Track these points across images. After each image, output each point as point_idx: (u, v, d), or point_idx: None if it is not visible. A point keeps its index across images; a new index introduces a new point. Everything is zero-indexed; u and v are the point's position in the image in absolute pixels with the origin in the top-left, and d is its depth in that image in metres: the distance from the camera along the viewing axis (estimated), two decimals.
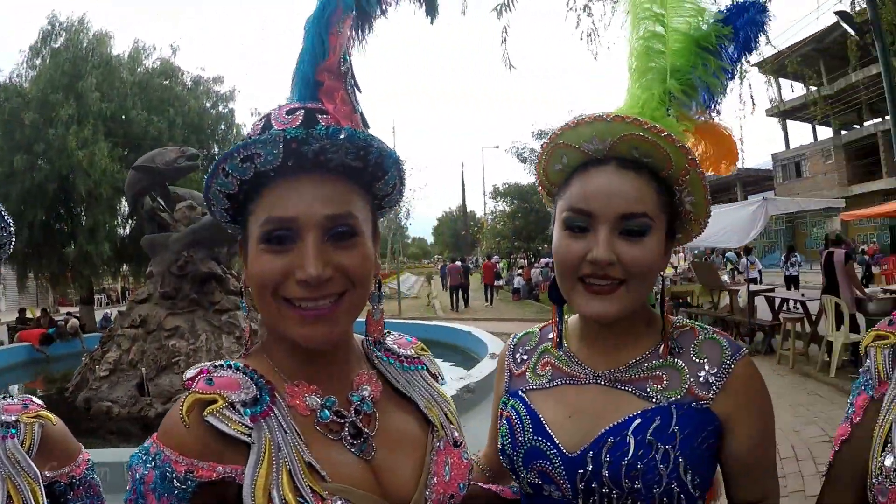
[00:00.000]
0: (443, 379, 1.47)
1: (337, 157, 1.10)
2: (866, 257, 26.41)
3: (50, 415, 1.43)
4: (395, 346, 1.39)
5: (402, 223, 51.11)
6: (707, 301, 15.30)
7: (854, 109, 34.06)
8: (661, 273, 1.42)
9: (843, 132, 37.50)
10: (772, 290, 14.10)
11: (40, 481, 1.32)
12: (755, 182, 44.83)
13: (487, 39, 9.07)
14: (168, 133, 21.13)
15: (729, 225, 12.58)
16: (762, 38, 1.62)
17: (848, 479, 1.22)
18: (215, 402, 1.05)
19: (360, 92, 1.24)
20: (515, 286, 30.01)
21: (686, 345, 1.38)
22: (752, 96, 11.40)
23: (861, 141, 36.35)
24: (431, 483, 1.20)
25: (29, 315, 22.07)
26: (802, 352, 10.76)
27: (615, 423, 1.29)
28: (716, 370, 1.32)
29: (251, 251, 1.13)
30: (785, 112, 34.39)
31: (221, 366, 1.15)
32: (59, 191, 19.78)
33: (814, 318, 10.87)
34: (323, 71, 1.18)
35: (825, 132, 38.67)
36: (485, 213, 48.37)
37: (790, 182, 40.61)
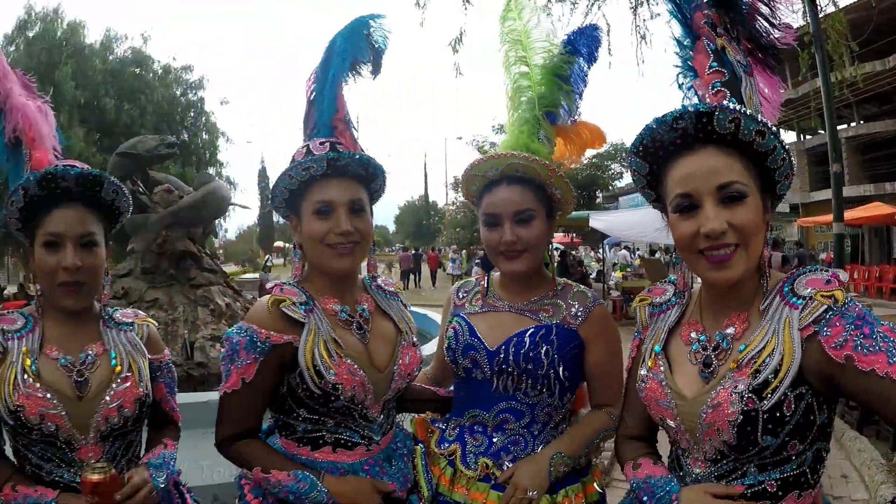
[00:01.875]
0: (408, 306, 2.36)
1: (353, 168, 2.01)
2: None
3: (151, 320, 2.25)
4: (383, 284, 2.29)
5: None
6: None
7: (819, 115, 32.41)
8: (551, 242, 2.29)
9: (809, 136, 37.13)
10: None
11: (147, 358, 2.11)
12: None
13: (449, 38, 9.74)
14: (140, 120, 21.67)
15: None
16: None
17: (632, 392, 1.88)
18: (285, 301, 1.91)
19: (357, 131, 2.20)
20: (449, 272, 35.24)
21: (566, 293, 2.22)
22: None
23: (823, 147, 34.48)
24: (398, 362, 2.08)
25: (6, 292, 22.17)
26: None
27: (519, 331, 2.10)
28: (582, 309, 2.16)
29: (305, 219, 1.99)
30: None
31: (288, 283, 2.02)
32: None
33: None
34: (336, 121, 2.15)
35: (790, 137, 37.99)
36: (446, 203, 48.22)
37: None
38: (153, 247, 9.21)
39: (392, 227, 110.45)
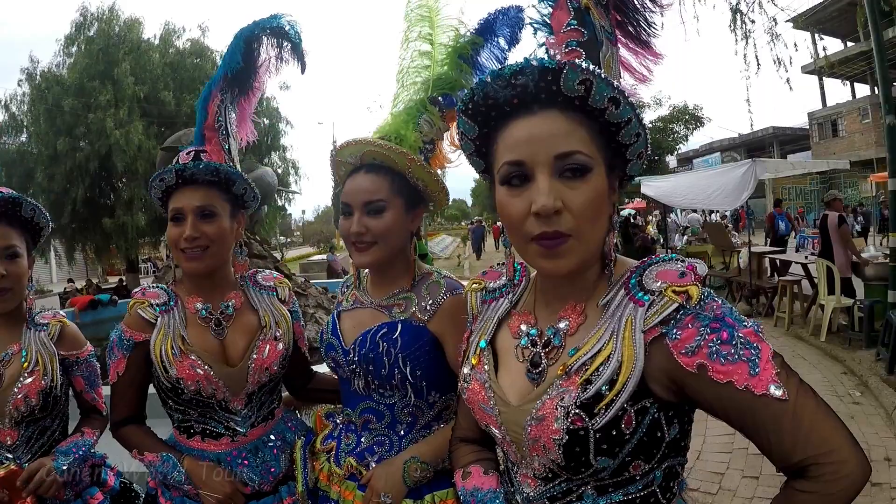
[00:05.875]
0: (294, 302, 2.42)
1: (201, 176, 2.09)
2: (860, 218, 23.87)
3: (66, 320, 2.45)
4: (260, 279, 2.37)
5: None
6: (719, 262, 15.29)
7: (893, 65, 30.38)
8: (412, 231, 2.10)
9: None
10: (780, 252, 13.87)
11: (56, 356, 2.32)
12: (791, 140, 43.12)
13: None
14: None
15: (720, 188, 12.39)
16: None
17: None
18: (142, 303, 2.13)
19: (229, 136, 2.31)
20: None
21: (422, 285, 2.04)
22: (778, 58, 11.45)
23: None
24: (253, 357, 2.15)
25: (77, 286, 23.34)
26: (802, 314, 10.66)
27: (365, 330, 1.99)
28: (431, 302, 1.98)
29: (168, 224, 2.11)
30: (821, 69, 32.14)
31: (156, 285, 2.23)
32: (99, 169, 20.92)
33: (816, 280, 10.39)
34: (206, 129, 2.28)
35: (863, 90, 36.48)
36: None
37: (826, 141, 38.17)
38: None
39: (470, 201, 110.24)
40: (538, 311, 1.46)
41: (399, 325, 1.96)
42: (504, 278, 1.62)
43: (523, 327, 1.45)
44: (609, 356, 1.23)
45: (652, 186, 15.83)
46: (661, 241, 20.37)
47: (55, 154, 20.60)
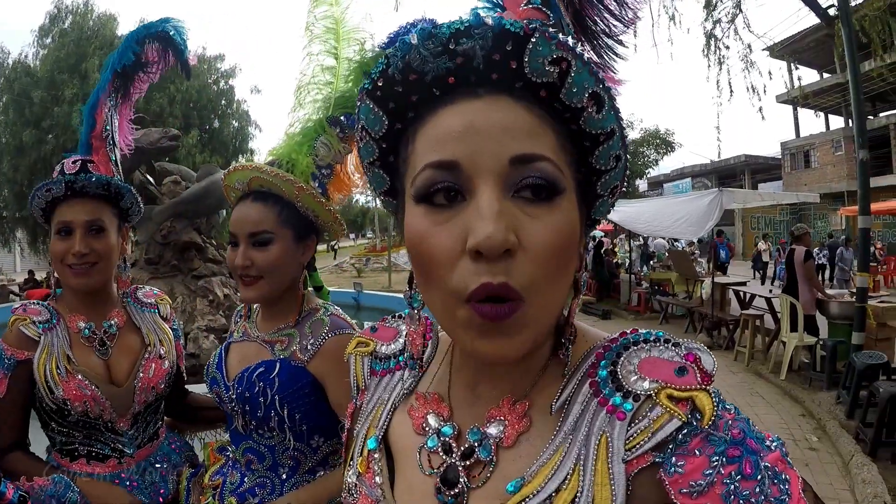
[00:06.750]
0: (175, 319, 2.40)
1: (92, 189, 2.03)
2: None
3: None
4: (141, 296, 2.32)
5: None
6: (682, 290, 15.14)
7: (868, 98, 30.39)
8: (302, 265, 2.00)
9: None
10: (743, 284, 13.55)
11: None
12: (763, 169, 43.25)
13: None
14: (168, 109, 22.21)
15: (685, 216, 12.27)
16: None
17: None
18: (24, 320, 2.02)
19: (115, 144, 2.25)
20: None
21: (306, 321, 1.93)
22: (752, 86, 11.46)
23: (872, 132, 31.30)
24: (139, 376, 2.12)
25: (38, 277, 23.20)
26: (763, 350, 10.51)
27: (246, 367, 1.89)
28: (313, 341, 1.86)
29: (52, 238, 2.05)
30: (795, 99, 30.03)
31: (35, 303, 2.13)
32: None
33: (779, 315, 10.04)
34: (93, 137, 2.19)
35: (837, 122, 36.68)
36: None
37: (798, 171, 38.00)
38: (157, 237, 9.39)
39: None
40: (455, 396, 0.94)
41: (277, 365, 1.86)
42: (402, 339, 1.09)
43: (432, 420, 0.92)
44: (576, 498, 0.76)
45: (617, 211, 15.38)
46: (627, 265, 20.23)
47: (21, 145, 20.67)
